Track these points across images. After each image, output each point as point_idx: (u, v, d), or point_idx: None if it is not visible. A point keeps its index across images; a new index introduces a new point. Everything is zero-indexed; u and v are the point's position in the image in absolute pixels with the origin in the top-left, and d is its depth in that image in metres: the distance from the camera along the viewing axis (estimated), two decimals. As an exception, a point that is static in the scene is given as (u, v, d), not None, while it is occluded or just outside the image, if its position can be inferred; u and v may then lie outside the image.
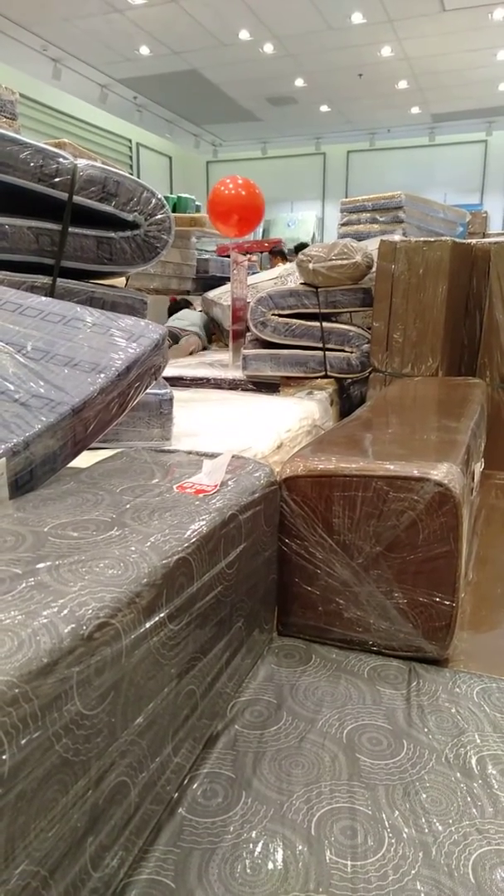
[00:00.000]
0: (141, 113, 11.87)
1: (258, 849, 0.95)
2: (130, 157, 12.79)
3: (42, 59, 9.41)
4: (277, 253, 7.42)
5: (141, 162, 13.01)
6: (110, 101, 11.07)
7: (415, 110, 11.39)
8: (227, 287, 4.55)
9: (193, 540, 1.05)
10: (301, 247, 7.66)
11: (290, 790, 1.06)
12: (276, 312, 3.42)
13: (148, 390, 1.64)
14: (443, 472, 1.43)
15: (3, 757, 0.63)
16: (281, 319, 3.41)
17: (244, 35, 8.40)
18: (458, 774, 1.11)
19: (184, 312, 5.41)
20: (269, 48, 8.80)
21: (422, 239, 3.23)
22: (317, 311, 3.38)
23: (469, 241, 3.55)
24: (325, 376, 3.43)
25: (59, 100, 10.61)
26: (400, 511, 1.42)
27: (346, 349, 3.37)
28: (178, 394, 2.33)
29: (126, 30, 8.35)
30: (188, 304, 5.63)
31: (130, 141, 12.73)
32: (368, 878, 0.91)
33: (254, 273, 5.07)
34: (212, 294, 5.00)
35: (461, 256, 3.22)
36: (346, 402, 3.55)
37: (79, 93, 10.70)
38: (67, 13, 7.91)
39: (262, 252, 7.92)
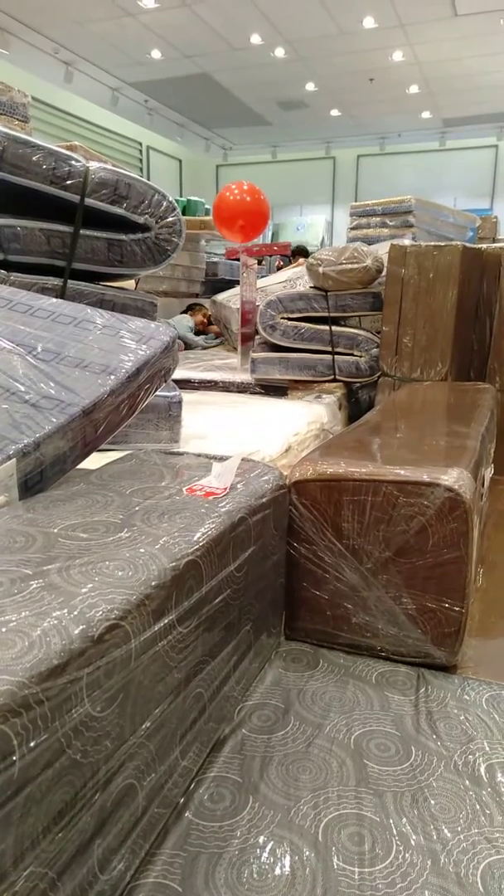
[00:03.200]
0: (151, 116, 11.88)
1: (265, 854, 0.94)
2: (140, 161, 12.82)
3: (54, 63, 9.44)
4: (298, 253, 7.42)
5: (151, 165, 13.03)
6: (121, 105, 11.09)
7: (425, 115, 11.36)
8: (235, 290, 4.55)
9: (203, 542, 1.05)
10: (299, 249, 7.66)
11: (298, 795, 1.06)
12: (285, 316, 3.41)
13: (157, 393, 1.64)
14: (453, 477, 1.42)
15: (13, 758, 0.63)
16: (290, 323, 3.40)
17: (255, 39, 8.39)
18: (467, 782, 1.11)
19: (177, 318, 5.46)
20: (280, 52, 8.80)
21: (432, 243, 3.22)
22: (326, 314, 3.38)
23: (479, 245, 3.54)
24: (334, 380, 3.43)
25: (71, 103, 10.64)
26: (410, 516, 1.42)
27: (356, 353, 3.37)
28: (187, 396, 2.33)
29: (138, 33, 8.36)
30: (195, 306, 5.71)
31: (141, 144, 12.76)
32: (376, 886, 0.90)
33: (262, 276, 5.08)
34: (221, 297, 5.01)
35: (471, 261, 3.21)
36: (355, 406, 3.54)
37: (90, 96, 10.73)
38: (80, 17, 7.93)
39: (270, 256, 7.91)
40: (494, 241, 7.84)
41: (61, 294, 2.03)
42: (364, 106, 10.97)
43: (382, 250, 3.48)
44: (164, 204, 2.13)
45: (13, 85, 3.97)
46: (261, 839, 0.97)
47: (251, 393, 3.51)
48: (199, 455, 1.61)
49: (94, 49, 8.98)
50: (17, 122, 3.87)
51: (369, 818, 1.02)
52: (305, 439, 2.61)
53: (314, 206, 13.81)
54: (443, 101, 10.59)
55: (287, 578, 1.54)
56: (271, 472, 1.46)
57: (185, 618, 0.99)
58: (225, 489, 1.27)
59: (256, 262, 4.52)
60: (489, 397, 2.78)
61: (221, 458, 1.50)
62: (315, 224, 13.12)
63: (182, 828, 0.98)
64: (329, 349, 3.38)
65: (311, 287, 3.48)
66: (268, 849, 0.95)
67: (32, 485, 1.25)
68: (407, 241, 3.70)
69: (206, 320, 5.81)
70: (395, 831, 1.00)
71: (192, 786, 1.06)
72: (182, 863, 0.92)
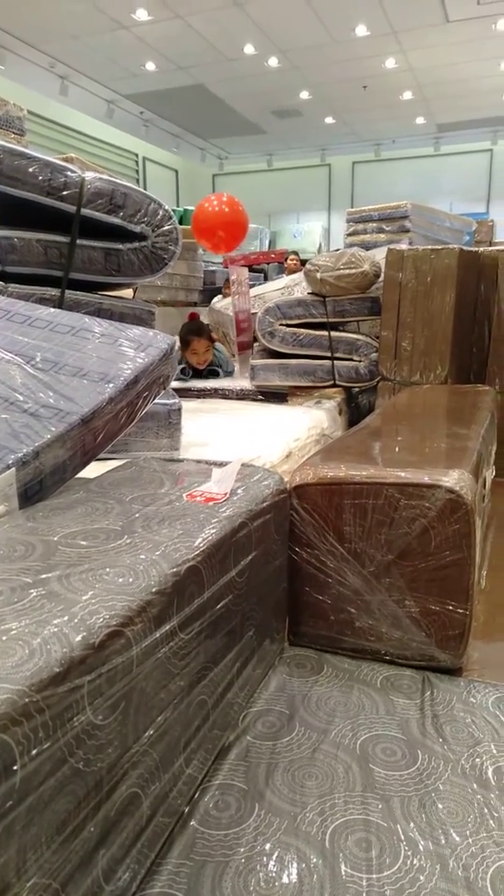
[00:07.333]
0: (147, 128, 11.95)
1: (272, 862, 0.93)
2: (137, 172, 12.88)
3: (49, 76, 9.51)
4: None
5: (147, 176, 13.09)
6: (117, 117, 11.16)
7: (420, 120, 11.42)
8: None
9: (203, 548, 1.05)
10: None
11: (304, 802, 1.05)
12: (283, 322, 3.42)
13: (156, 400, 1.64)
14: (454, 478, 1.41)
15: (14, 768, 0.63)
16: (289, 329, 3.41)
17: (249, 49, 8.45)
18: (475, 785, 1.10)
19: None
20: (273, 62, 8.85)
21: (429, 247, 3.23)
22: (324, 320, 3.39)
23: (476, 248, 3.54)
24: (334, 385, 3.43)
25: (67, 116, 10.71)
26: (411, 518, 1.41)
27: (355, 358, 3.37)
28: (187, 404, 2.33)
29: (132, 46, 8.42)
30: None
31: (137, 155, 12.83)
32: (384, 892, 0.89)
33: (256, 284, 5.08)
34: (219, 304, 5.02)
35: (469, 264, 3.22)
36: (355, 411, 3.55)
37: (86, 109, 10.80)
38: (74, 30, 7.99)
39: (268, 263, 7.94)
40: (491, 244, 7.87)
41: (59, 304, 2.04)
42: (358, 113, 11.03)
43: (380, 255, 3.49)
44: (161, 213, 2.14)
45: (9, 99, 3.99)
46: (267, 847, 0.96)
47: (251, 400, 3.51)
48: (198, 461, 1.61)
49: (89, 62, 9.04)
50: (13, 136, 3.89)
51: (376, 823, 1.01)
52: (306, 445, 2.61)
53: (311, 214, 13.87)
54: (436, 107, 10.65)
55: (289, 583, 1.53)
56: (272, 477, 1.46)
57: (187, 624, 0.98)
58: (225, 494, 1.27)
59: (247, 270, 4.48)
60: (489, 399, 2.78)
61: (221, 464, 1.50)
62: (312, 231, 13.17)
63: (188, 836, 0.97)
64: (328, 355, 3.38)
65: (308, 293, 3.49)
66: (274, 856, 0.94)
67: (32, 494, 1.25)
68: (404, 246, 3.72)
69: (201, 358, 3.75)
70: (402, 836, 0.99)
71: (197, 794, 1.05)
72: (188, 872, 0.91)
